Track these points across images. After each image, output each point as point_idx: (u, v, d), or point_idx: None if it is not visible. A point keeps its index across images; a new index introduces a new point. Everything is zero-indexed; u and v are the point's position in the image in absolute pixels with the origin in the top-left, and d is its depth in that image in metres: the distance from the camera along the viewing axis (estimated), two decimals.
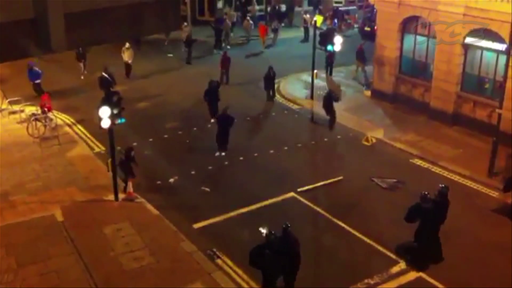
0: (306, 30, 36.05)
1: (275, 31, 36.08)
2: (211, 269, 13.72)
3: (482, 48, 21.08)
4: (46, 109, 21.81)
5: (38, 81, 25.10)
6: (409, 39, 24.15)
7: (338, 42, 25.26)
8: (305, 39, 35.88)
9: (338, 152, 20.27)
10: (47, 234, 14.89)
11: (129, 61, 28.05)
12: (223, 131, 19.86)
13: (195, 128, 22.09)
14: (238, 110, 24.01)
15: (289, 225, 12.43)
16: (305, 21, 36.62)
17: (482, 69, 21.47)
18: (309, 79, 25.96)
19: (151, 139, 21.16)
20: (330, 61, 28.56)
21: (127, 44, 28.12)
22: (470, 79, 21.96)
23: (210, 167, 18.96)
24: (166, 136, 21.56)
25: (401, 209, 16.46)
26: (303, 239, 14.92)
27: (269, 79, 25.34)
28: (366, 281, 13.33)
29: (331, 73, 28.84)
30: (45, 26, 31.97)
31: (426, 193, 13.88)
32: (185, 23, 33.84)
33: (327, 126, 22.47)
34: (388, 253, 14.41)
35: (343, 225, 15.70)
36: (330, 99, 22.52)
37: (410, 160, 19.63)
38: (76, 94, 25.73)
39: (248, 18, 37.21)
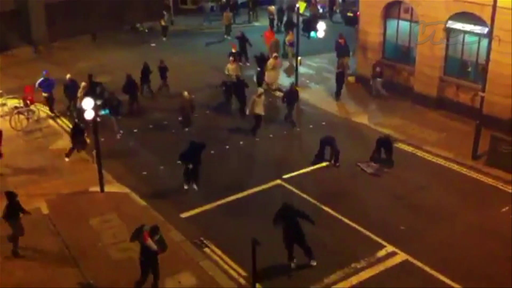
0: (271, 22, 34.46)
1: (291, 45, 28.17)
2: (200, 258, 13.77)
3: (464, 32, 21.17)
4: (28, 101, 21.57)
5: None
6: (392, 24, 24.18)
7: (321, 29, 25.21)
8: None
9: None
10: (33, 227, 14.78)
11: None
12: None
13: (180, 118, 21.99)
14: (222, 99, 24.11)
15: None
16: (270, 12, 34.99)
17: (464, 52, 21.59)
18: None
19: (135, 130, 21.06)
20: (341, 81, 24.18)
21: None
22: (453, 63, 22.07)
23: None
24: (151, 126, 21.47)
25: (386, 193, 16.71)
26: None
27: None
28: (353, 265, 13.43)
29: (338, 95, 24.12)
30: (26, 18, 31.54)
31: None
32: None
33: (311, 112, 22.50)
34: (374, 237, 14.53)
35: (329, 210, 15.80)
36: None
37: (395, 145, 19.72)
38: (59, 86, 25.43)
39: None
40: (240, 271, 13.29)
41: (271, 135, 20.71)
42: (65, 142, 19.94)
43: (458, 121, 21.16)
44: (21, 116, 20.97)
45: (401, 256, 13.80)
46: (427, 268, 13.33)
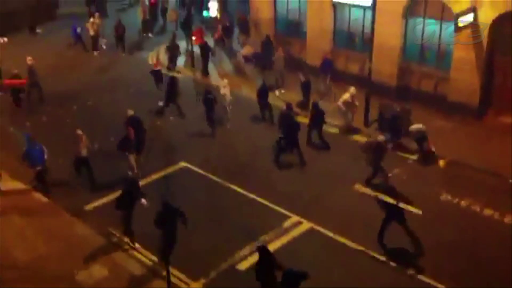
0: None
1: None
2: (109, 250, 13.64)
3: (350, 5, 22.12)
4: None
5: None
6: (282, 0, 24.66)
7: (213, 8, 25.20)
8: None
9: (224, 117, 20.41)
10: None
11: None
12: None
13: (75, 107, 21.39)
14: (126, 84, 23.56)
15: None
16: None
17: (351, 25, 22.58)
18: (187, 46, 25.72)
19: (28, 123, 20.14)
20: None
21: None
22: (341, 35, 23.03)
23: (96, 145, 18.44)
24: (44, 119, 20.68)
25: (288, 164, 17.29)
26: (197, 206, 15.26)
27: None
28: (262, 238, 13.91)
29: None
30: None
31: None
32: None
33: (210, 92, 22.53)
34: (279, 209, 15.11)
35: (235, 187, 16.18)
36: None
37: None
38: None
39: None
40: (152, 257, 13.36)
41: (171, 118, 20.65)
42: None
43: (325, 84, 21.94)
44: None
45: (306, 225, 14.50)
46: (331, 234, 14.12)
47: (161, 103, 20.70)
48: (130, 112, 17.80)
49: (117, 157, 17.00)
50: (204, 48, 23.86)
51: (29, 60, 21.75)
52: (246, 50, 24.93)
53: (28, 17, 29.93)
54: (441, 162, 17.06)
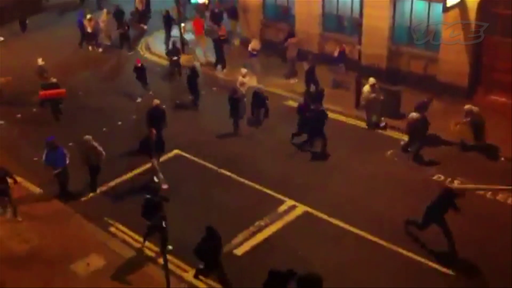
0: None
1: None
2: (106, 238, 13.69)
3: None
4: None
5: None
6: None
7: None
8: None
9: (213, 106, 20.40)
10: None
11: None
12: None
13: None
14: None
15: None
16: None
17: (340, 9, 22.54)
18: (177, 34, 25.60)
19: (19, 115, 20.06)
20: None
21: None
22: (330, 19, 22.99)
23: (86, 136, 18.33)
24: (35, 109, 20.52)
25: (280, 152, 17.34)
26: (192, 194, 15.33)
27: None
28: (257, 223, 14.00)
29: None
30: None
31: None
32: None
33: (201, 78, 22.44)
34: (274, 194, 15.18)
35: (228, 173, 16.22)
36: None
37: (284, 102, 20.37)
38: None
39: None
40: (149, 245, 13.40)
41: (164, 106, 20.55)
42: None
43: (341, 74, 22.06)
44: None
45: (301, 208, 14.59)
46: (325, 217, 14.22)
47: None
48: (156, 102, 17.27)
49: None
50: (218, 43, 23.49)
51: (40, 61, 20.98)
52: (254, 45, 24.22)
53: (17, 12, 29.59)
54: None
